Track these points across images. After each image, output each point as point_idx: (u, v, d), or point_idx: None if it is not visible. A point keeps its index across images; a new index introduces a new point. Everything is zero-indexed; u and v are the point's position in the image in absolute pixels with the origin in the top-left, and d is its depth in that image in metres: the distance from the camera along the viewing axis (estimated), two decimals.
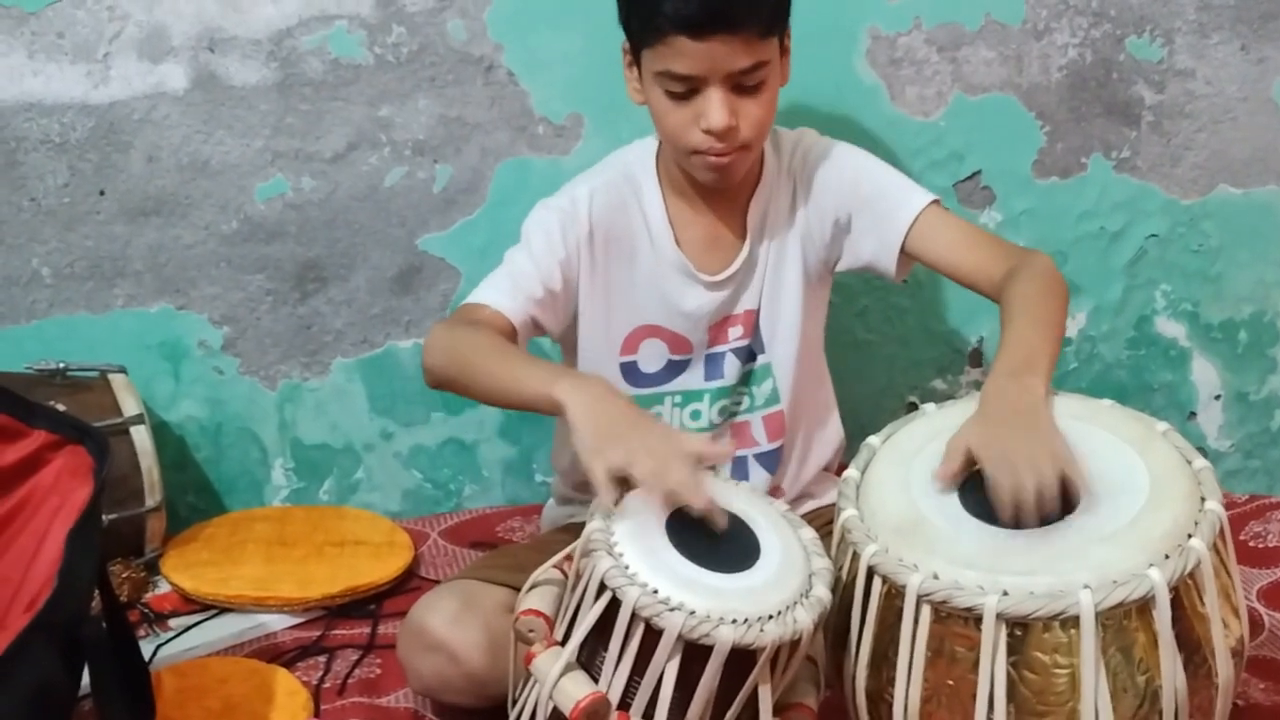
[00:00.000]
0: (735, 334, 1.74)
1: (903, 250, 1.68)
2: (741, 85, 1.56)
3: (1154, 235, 2.21)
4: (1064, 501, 1.29)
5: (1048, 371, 1.41)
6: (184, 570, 1.95)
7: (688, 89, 1.56)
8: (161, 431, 2.12)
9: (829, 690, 1.43)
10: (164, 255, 2.10)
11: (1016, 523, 1.28)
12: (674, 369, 1.74)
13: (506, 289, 1.65)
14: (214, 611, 1.90)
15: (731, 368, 1.74)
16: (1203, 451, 2.20)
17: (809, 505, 1.79)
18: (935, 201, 1.69)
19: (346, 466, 2.22)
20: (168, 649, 1.81)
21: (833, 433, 1.85)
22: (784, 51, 1.63)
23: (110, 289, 2.10)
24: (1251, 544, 1.97)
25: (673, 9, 1.51)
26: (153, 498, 1.96)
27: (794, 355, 1.74)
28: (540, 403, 1.45)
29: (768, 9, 1.56)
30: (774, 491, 1.76)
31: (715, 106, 1.55)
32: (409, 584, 1.98)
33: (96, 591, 1.47)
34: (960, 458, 1.33)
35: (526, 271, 1.66)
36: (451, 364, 1.57)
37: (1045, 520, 1.27)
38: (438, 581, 1.89)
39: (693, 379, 1.75)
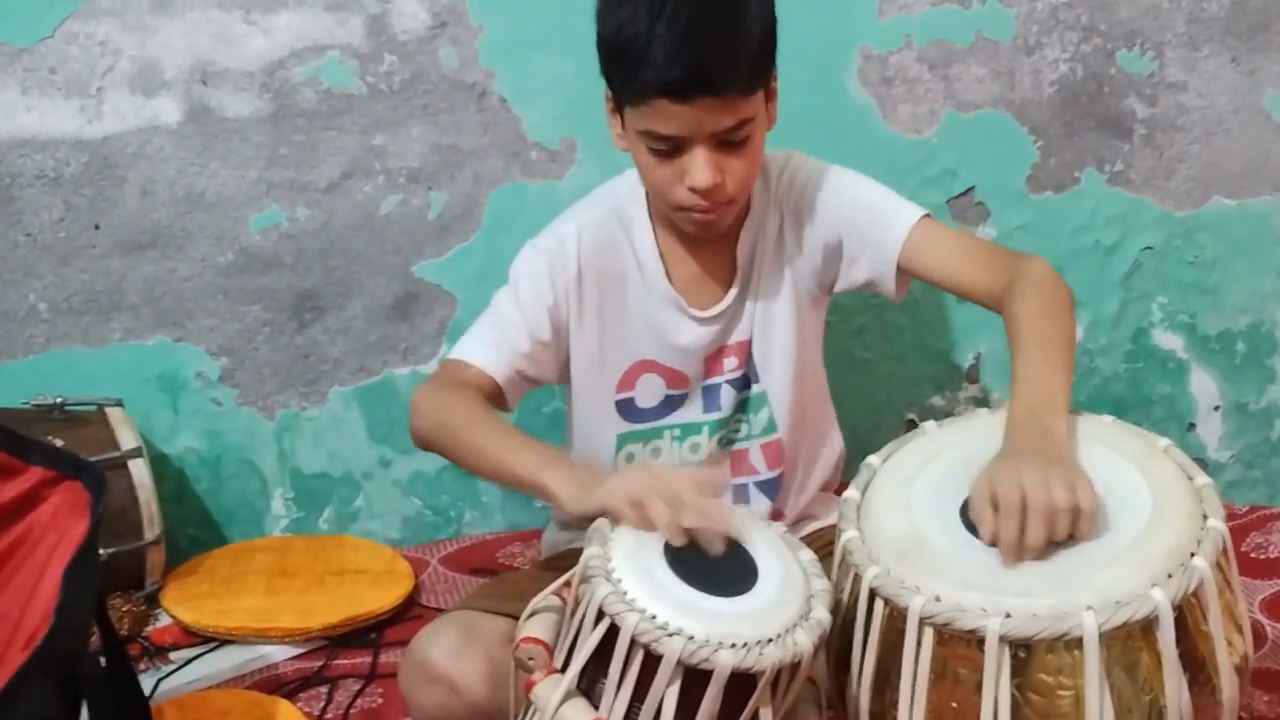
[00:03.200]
0: (730, 365, 1.73)
1: (899, 269, 1.67)
2: (727, 142, 1.54)
3: (1149, 248, 2.21)
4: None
5: (1065, 404, 1.38)
6: (184, 603, 1.95)
7: (672, 147, 1.54)
8: (161, 464, 2.12)
9: (831, 712, 1.42)
10: (160, 288, 2.10)
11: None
12: (672, 403, 1.73)
13: (492, 344, 1.64)
14: (215, 643, 1.90)
15: (727, 398, 1.73)
16: (1203, 463, 2.24)
17: (810, 527, 1.78)
18: (926, 216, 1.67)
19: (346, 495, 2.22)
20: (169, 682, 1.82)
21: (833, 451, 1.84)
22: (770, 96, 1.60)
23: (107, 322, 2.11)
24: (1253, 555, 1.97)
25: (654, 75, 1.48)
26: (152, 531, 1.96)
27: (789, 383, 1.73)
28: (530, 489, 1.47)
29: (750, 68, 1.52)
30: (775, 516, 1.75)
31: (700, 167, 1.53)
32: (410, 612, 1.98)
33: (96, 627, 1.47)
34: (985, 504, 1.29)
35: (514, 323, 1.65)
36: (440, 435, 1.57)
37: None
38: (439, 609, 1.89)
39: (691, 412, 1.74)
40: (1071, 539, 1.25)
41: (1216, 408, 2.29)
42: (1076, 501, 1.24)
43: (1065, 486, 1.25)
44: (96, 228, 2.07)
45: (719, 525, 1.33)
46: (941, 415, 2.21)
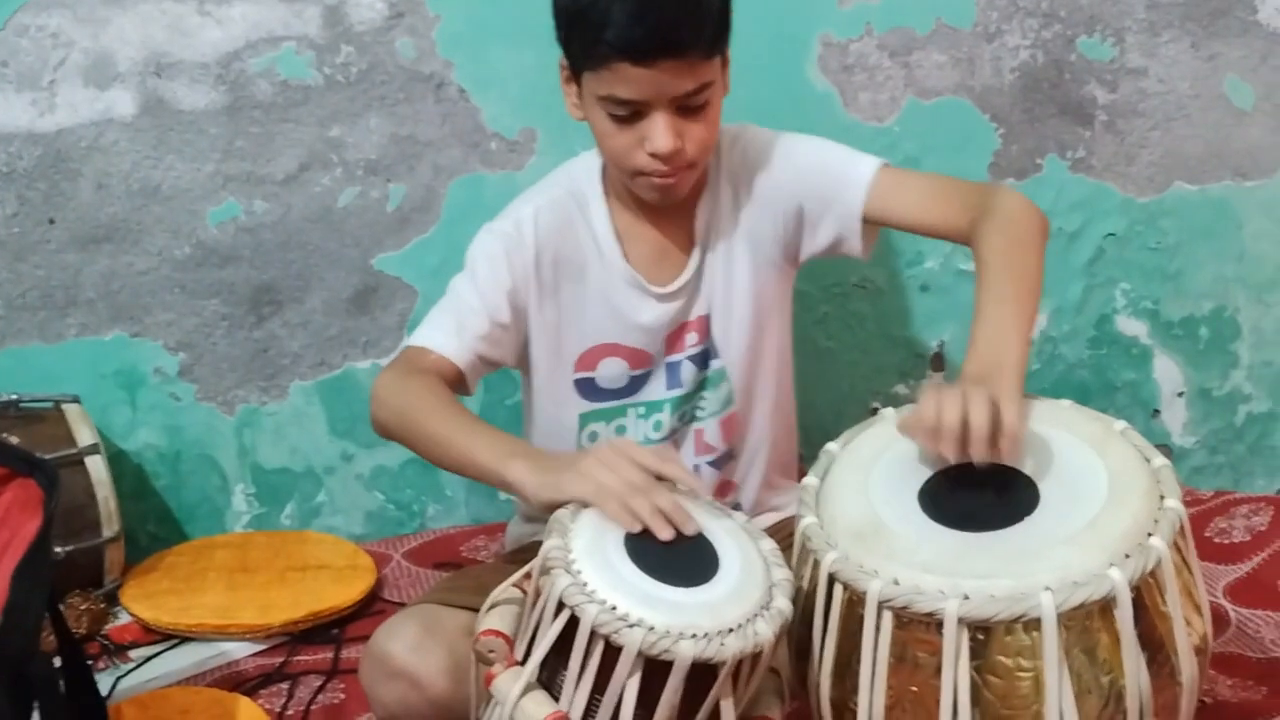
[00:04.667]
0: (691, 340, 1.72)
1: (865, 220, 1.66)
2: (687, 107, 1.54)
3: (1112, 234, 2.21)
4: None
5: (1019, 361, 1.38)
6: (144, 600, 1.93)
7: (631, 112, 1.53)
8: (119, 460, 2.11)
9: (794, 701, 1.42)
10: (117, 283, 2.08)
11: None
12: (636, 383, 1.73)
13: (452, 329, 1.63)
14: (175, 641, 1.89)
15: (689, 374, 1.73)
16: (1168, 449, 2.24)
17: (773, 517, 1.78)
18: (884, 164, 1.67)
19: (308, 490, 2.20)
20: (128, 680, 1.80)
21: (789, 430, 1.84)
22: (725, 63, 1.60)
23: (63, 318, 2.08)
24: (1217, 540, 1.97)
25: (616, 36, 1.48)
26: (110, 528, 1.94)
27: (748, 357, 1.73)
28: (491, 480, 1.45)
29: (711, 30, 1.52)
30: (724, 487, 1.75)
31: (661, 131, 1.53)
32: (372, 607, 1.97)
33: (50, 626, 1.45)
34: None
35: (472, 307, 1.64)
36: (400, 423, 1.56)
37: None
38: (401, 604, 1.88)
39: (654, 390, 1.73)
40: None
41: (1180, 394, 2.29)
42: (996, 408, 1.26)
43: (985, 399, 1.27)
44: (51, 222, 2.05)
45: (683, 525, 1.33)
46: (905, 403, 2.20)
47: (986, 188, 1.62)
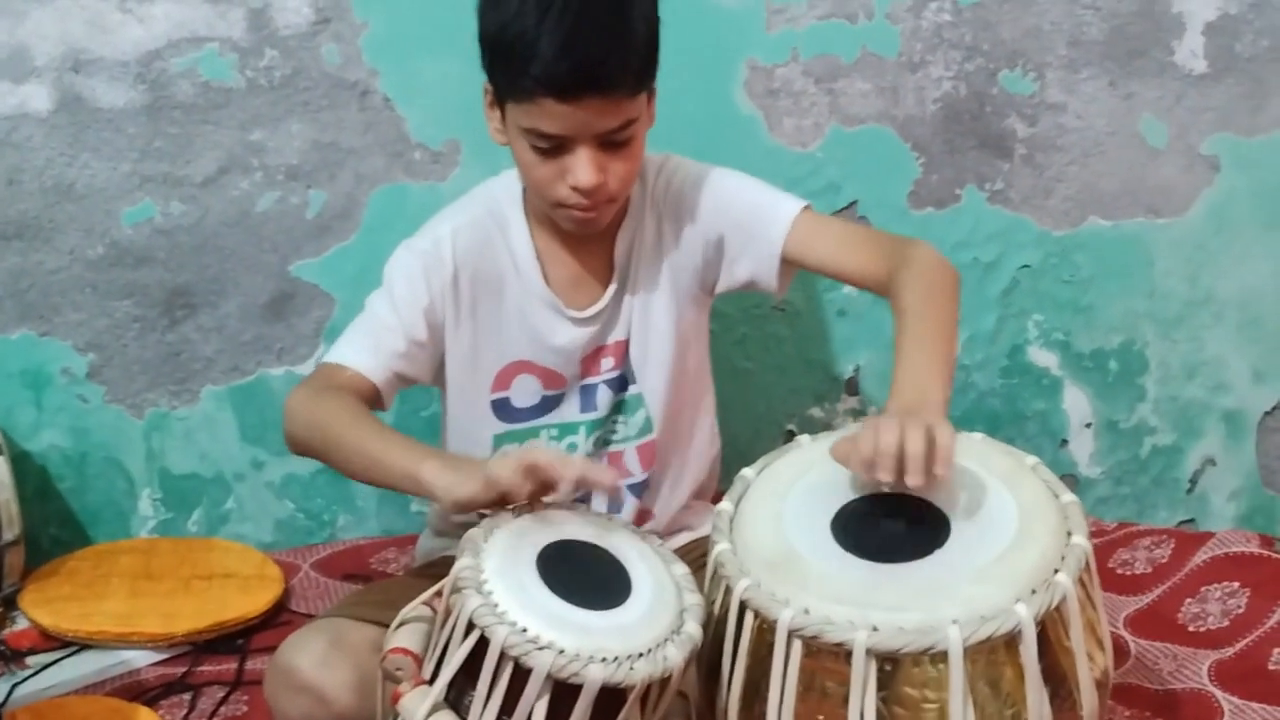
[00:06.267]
0: (607, 365, 1.72)
1: (783, 260, 1.68)
2: (611, 142, 1.54)
3: (1026, 266, 2.24)
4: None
5: (941, 402, 1.40)
6: (44, 605, 1.89)
7: (555, 145, 1.53)
8: (23, 462, 2.06)
9: None
10: (25, 281, 2.05)
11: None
12: (549, 404, 1.72)
13: (368, 346, 1.62)
14: (75, 648, 1.85)
15: (604, 398, 1.73)
16: (1074, 479, 2.28)
17: (686, 537, 1.78)
18: (806, 207, 1.69)
19: (216, 497, 2.17)
20: (25, 688, 1.77)
21: (709, 453, 1.84)
22: (650, 97, 1.60)
23: None
24: (1119, 571, 2.00)
25: (541, 71, 1.47)
26: (10, 531, 1.91)
27: (666, 385, 1.73)
28: (406, 485, 1.45)
29: (637, 67, 1.53)
30: (643, 515, 1.75)
31: (583, 166, 1.53)
32: (279, 618, 1.94)
33: None
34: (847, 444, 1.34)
35: (389, 324, 1.64)
36: (314, 436, 1.55)
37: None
38: (308, 615, 1.86)
39: (568, 412, 1.73)
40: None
41: (1088, 425, 2.32)
42: (931, 435, 1.28)
43: (922, 426, 1.28)
44: None
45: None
46: (820, 427, 2.23)
47: (903, 240, 1.65)
